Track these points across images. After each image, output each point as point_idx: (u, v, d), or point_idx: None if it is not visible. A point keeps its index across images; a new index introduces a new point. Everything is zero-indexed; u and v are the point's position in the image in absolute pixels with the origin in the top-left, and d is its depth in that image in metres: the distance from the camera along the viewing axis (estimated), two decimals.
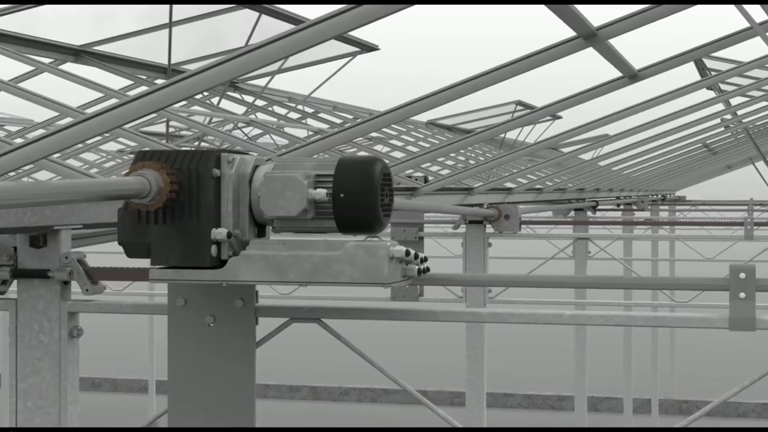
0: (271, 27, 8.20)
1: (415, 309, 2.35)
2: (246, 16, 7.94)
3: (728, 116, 8.91)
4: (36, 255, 2.48)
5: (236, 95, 10.18)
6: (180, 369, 2.36)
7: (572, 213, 10.28)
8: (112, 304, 2.49)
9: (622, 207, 12.57)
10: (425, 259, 2.14)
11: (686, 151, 11.69)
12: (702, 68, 9.04)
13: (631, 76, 4.09)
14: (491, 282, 2.33)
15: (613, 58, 3.57)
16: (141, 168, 1.99)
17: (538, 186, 8.74)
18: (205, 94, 9.68)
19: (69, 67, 18.51)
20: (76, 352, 2.51)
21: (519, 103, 15.37)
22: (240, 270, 2.08)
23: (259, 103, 11.52)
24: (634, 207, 12.68)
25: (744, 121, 8.25)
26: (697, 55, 4.05)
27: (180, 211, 2.08)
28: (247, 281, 2.07)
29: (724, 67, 8.83)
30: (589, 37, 3.24)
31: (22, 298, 2.51)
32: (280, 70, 9.31)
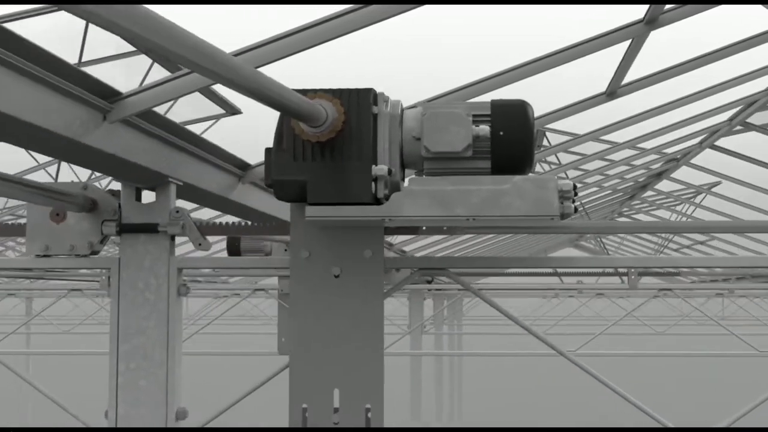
0: None
1: (544, 257, 2.51)
2: None
3: None
4: (142, 209, 2.52)
5: None
6: (304, 321, 2.44)
7: None
8: (222, 259, 2.55)
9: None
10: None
11: None
12: None
13: (609, 93, 4.45)
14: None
15: None
16: (313, 98, 2.10)
17: None
18: None
19: None
20: (182, 312, 2.54)
21: None
22: (404, 206, 2.20)
23: None
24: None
25: None
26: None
27: (340, 146, 2.19)
28: (413, 216, 2.19)
29: None
30: None
31: (126, 254, 2.54)
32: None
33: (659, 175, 11.23)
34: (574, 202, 2.32)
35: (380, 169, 2.19)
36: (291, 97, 1.76)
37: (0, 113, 1.52)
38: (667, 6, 3.50)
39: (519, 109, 2.25)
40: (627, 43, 4.12)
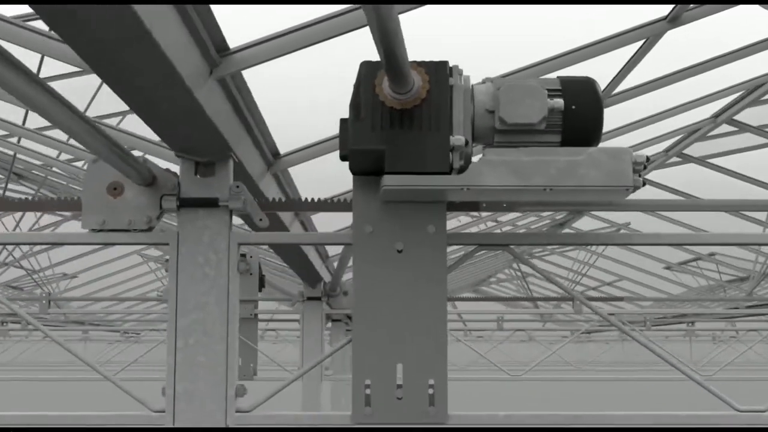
0: None
1: (607, 233, 2.60)
2: None
3: None
4: (201, 184, 2.54)
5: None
6: (366, 294, 2.48)
7: None
8: (281, 234, 2.59)
9: None
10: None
11: None
12: None
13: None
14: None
15: None
16: None
17: None
18: None
19: None
20: (238, 289, 2.56)
21: None
22: (482, 175, 2.27)
23: None
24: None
25: None
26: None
27: (419, 116, 2.26)
28: (491, 186, 2.25)
29: None
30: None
31: (185, 229, 2.55)
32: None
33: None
34: (640, 176, 2.42)
35: (458, 139, 2.26)
36: (403, 53, 1.83)
37: (158, 51, 1.54)
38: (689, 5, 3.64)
39: (589, 85, 2.34)
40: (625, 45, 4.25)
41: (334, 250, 7.94)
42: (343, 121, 2.30)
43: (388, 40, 1.70)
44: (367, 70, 2.27)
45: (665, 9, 3.65)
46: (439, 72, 2.27)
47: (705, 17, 3.63)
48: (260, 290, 6.94)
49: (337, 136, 3.64)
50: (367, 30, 2.95)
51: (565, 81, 2.34)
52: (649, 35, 3.85)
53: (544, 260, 15.21)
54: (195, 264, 2.53)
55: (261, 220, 2.54)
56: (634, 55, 4.25)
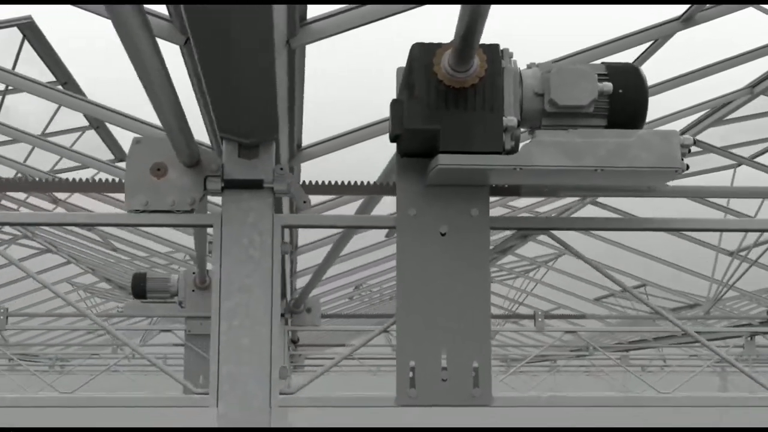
0: None
1: (644, 218, 2.68)
2: None
3: None
4: (245, 166, 2.57)
5: None
6: (410, 277, 2.53)
7: None
8: (327, 217, 2.63)
9: None
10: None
11: None
12: None
13: None
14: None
15: None
16: None
17: None
18: None
19: None
20: (281, 271, 2.59)
21: None
22: (534, 155, 2.33)
23: None
24: None
25: None
26: None
27: (473, 97, 2.32)
28: (543, 166, 2.32)
29: None
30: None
31: (229, 210, 2.58)
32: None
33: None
34: (683, 158, 2.50)
35: (510, 120, 2.32)
36: (481, 31, 1.90)
37: (267, 11, 1.56)
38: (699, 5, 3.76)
39: (634, 70, 2.42)
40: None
41: (305, 264, 7.93)
42: (395, 101, 2.35)
43: (476, 17, 1.76)
44: (420, 50, 2.33)
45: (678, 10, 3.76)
46: (494, 53, 2.34)
47: (719, 17, 3.75)
48: None
49: (349, 132, 3.70)
50: (366, 30, 3.03)
51: (610, 66, 2.42)
52: (658, 36, 3.97)
53: None
54: (239, 246, 2.56)
55: (305, 202, 2.58)
56: (640, 55, 4.36)
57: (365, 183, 2.66)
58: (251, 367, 2.53)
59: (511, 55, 2.37)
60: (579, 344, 13.54)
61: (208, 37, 1.70)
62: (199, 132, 2.94)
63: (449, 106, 2.31)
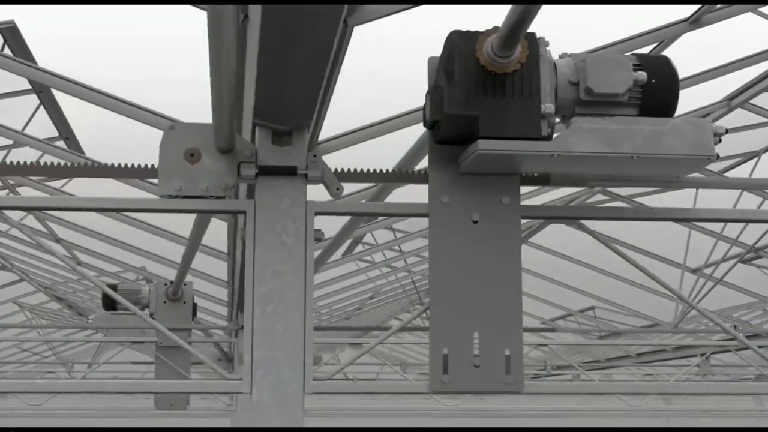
0: None
1: (673, 207, 2.75)
2: None
3: None
4: (279, 153, 2.61)
5: None
6: (442, 264, 2.57)
7: None
8: (360, 204, 2.67)
9: None
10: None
11: None
12: None
13: None
14: None
15: None
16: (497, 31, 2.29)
17: None
18: None
19: None
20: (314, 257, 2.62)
21: None
22: (572, 142, 2.39)
23: None
24: None
25: None
26: None
27: (511, 83, 2.37)
28: (580, 152, 2.37)
29: None
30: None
31: (262, 197, 2.61)
32: None
33: None
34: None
35: (548, 107, 2.38)
36: (533, 18, 1.96)
37: None
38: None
39: (666, 61, 2.50)
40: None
41: None
42: (435, 88, 2.40)
43: (530, 9, 1.83)
44: (460, 37, 2.38)
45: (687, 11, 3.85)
46: (533, 41, 2.40)
47: (727, 19, 3.85)
48: (193, 319, 6.96)
49: (364, 128, 3.75)
50: (366, 28, 3.08)
51: (643, 57, 2.49)
52: (665, 38, 4.06)
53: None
54: (273, 232, 2.59)
55: (338, 189, 2.62)
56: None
57: (398, 171, 2.70)
58: (285, 353, 2.56)
59: (547, 44, 2.44)
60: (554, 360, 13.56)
61: (277, 12, 1.74)
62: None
63: (488, 93, 2.36)
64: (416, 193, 2.84)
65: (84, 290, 12.22)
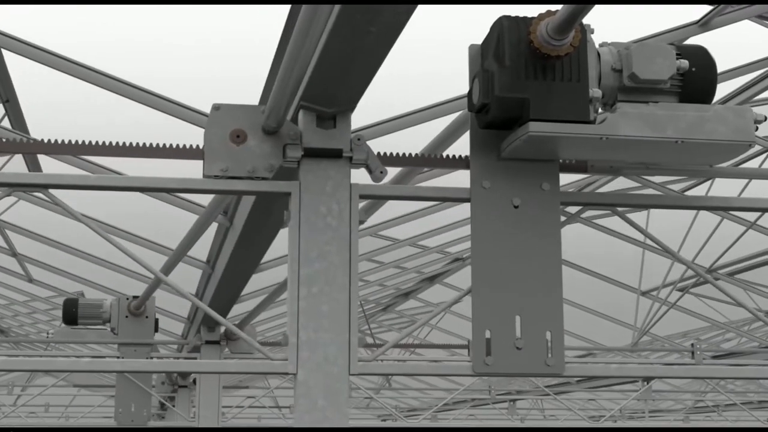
0: None
1: (707, 196, 2.88)
2: None
3: None
4: (323, 135, 2.69)
5: None
6: (483, 248, 2.67)
7: None
8: (404, 187, 2.77)
9: None
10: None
11: None
12: None
13: None
14: None
15: None
16: (548, 16, 2.41)
17: None
18: None
19: None
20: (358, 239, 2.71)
21: None
22: (619, 126, 2.51)
23: None
24: None
25: None
26: None
27: (561, 67, 2.49)
28: (627, 136, 2.49)
29: None
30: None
31: (307, 179, 2.69)
32: None
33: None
34: None
35: (596, 91, 2.50)
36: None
37: None
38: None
39: (704, 51, 2.63)
40: None
41: (250, 288, 7.95)
42: (484, 71, 2.52)
43: None
44: (509, 22, 2.50)
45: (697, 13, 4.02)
46: (582, 27, 2.53)
47: (736, 22, 4.02)
48: (155, 333, 7.00)
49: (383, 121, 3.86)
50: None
51: (681, 47, 2.63)
52: (674, 40, 4.22)
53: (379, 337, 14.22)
54: (317, 214, 2.68)
55: (381, 172, 2.71)
56: None
57: (440, 156, 2.81)
58: (330, 334, 2.64)
59: (592, 31, 2.57)
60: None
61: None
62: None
63: (538, 76, 2.48)
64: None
65: (28, 313, 11.96)
